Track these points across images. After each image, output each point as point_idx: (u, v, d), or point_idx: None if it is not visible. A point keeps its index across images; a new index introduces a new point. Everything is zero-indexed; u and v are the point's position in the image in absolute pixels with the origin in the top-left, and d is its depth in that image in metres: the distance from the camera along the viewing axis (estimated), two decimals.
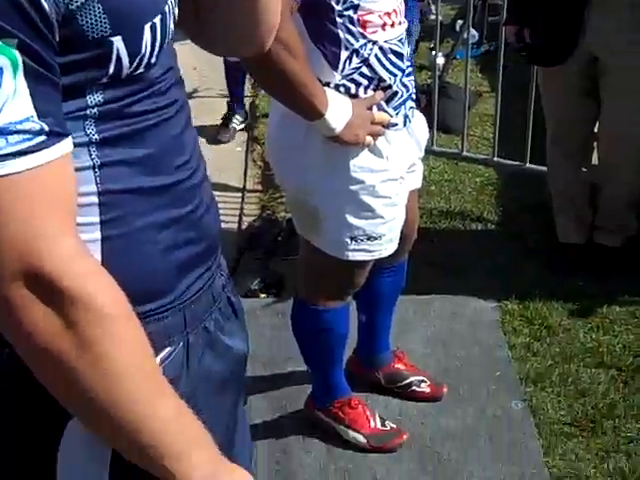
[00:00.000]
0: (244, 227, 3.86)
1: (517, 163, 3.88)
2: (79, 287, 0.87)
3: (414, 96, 2.21)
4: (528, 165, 3.83)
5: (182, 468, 0.96)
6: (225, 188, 4.05)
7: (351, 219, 2.11)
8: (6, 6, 0.82)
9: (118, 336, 0.89)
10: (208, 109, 4.82)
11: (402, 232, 2.27)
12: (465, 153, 4.03)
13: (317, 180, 2.10)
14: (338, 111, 1.98)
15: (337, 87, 2.02)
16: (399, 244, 2.27)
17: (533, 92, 3.61)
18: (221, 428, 1.08)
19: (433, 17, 5.11)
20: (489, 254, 3.44)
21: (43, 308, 0.86)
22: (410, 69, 2.15)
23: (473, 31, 4.81)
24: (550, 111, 3.30)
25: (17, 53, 0.83)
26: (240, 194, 4.09)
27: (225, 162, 4.30)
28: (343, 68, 2.00)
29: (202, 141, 4.39)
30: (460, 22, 5.32)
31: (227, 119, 4.71)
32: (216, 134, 4.62)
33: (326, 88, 1.99)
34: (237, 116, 4.71)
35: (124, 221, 0.98)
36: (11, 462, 1.07)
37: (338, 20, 1.95)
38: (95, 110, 0.94)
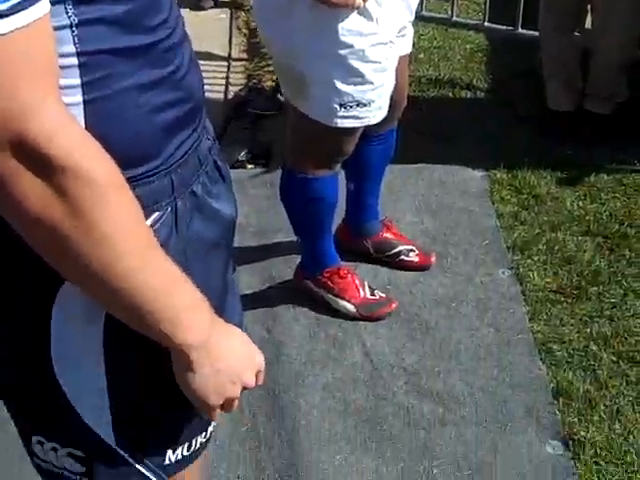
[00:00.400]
0: (230, 97, 3.80)
1: (508, 28, 3.79)
2: (67, 155, 0.85)
3: None
4: (520, 30, 3.75)
5: (178, 332, 0.97)
6: (210, 57, 3.96)
7: (340, 85, 2.08)
8: None
9: (109, 203, 0.88)
10: None
11: (391, 99, 2.24)
12: (455, 18, 3.94)
13: (303, 44, 2.06)
14: None
15: None
16: (388, 111, 2.25)
17: None
18: (212, 294, 1.08)
19: None
20: (479, 122, 3.41)
21: (32, 178, 0.84)
22: None
23: None
24: None
25: None
26: (226, 63, 4.01)
27: (209, 30, 4.19)
28: None
29: (184, 9, 4.26)
30: None
31: None
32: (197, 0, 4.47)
33: None
34: None
35: (105, 83, 0.95)
36: (4, 326, 1.08)
37: None
38: None
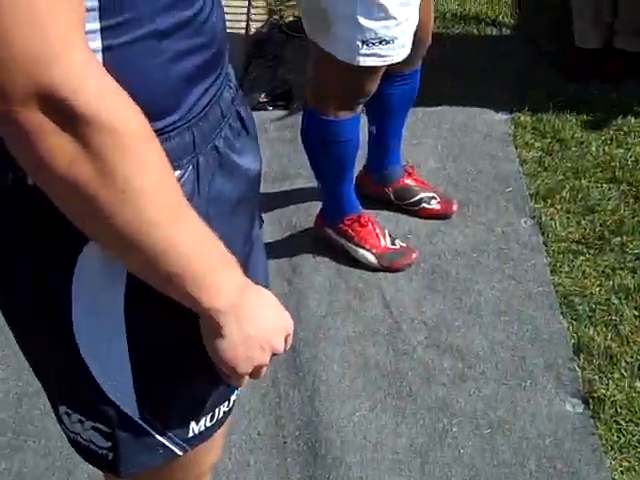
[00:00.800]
0: (251, 33, 3.73)
1: None
2: (95, 107, 0.81)
3: None
4: None
5: (205, 296, 0.94)
6: None
7: (362, 20, 2.03)
8: None
9: (137, 158, 0.85)
10: None
11: (415, 36, 2.19)
12: None
13: None
14: None
15: None
16: (412, 50, 2.20)
17: None
18: (236, 253, 1.06)
19: None
20: (504, 60, 3.34)
21: (58, 132, 0.80)
22: None
23: None
24: None
25: None
26: None
27: None
28: None
29: None
30: None
31: None
32: None
33: None
34: None
35: (126, 28, 0.90)
36: (23, 284, 1.05)
37: None
38: None
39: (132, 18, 0.90)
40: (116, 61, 0.90)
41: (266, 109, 3.27)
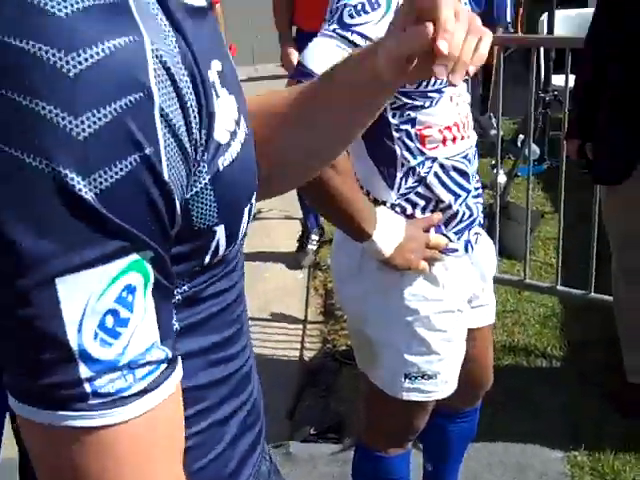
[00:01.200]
0: (304, 362, 3.80)
1: (581, 292, 3.74)
2: None
3: (481, 220, 2.09)
4: (593, 294, 3.69)
5: None
6: (285, 318, 4.01)
7: (405, 354, 2.00)
8: (144, 211, 0.70)
9: None
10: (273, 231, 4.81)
11: (474, 377, 2.18)
12: (528, 280, 3.92)
13: (372, 308, 2.01)
14: (388, 233, 1.89)
15: (393, 207, 1.95)
16: (473, 390, 2.20)
17: (596, 214, 3.49)
18: None
19: (494, 132, 5.10)
20: (555, 394, 3.33)
21: None
22: (479, 190, 2.05)
23: (534, 146, 4.60)
24: (614, 231, 3.14)
25: (149, 267, 0.72)
26: (301, 325, 4.03)
27: (286, 290, 4.28)
28: (399, 187, 1.93)
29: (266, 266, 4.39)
30: (522, 137, 5.24)
31: (303, 240, 4.62)
32: (294, 258, 4.54)
33: (381, 207, 1.92)
34: (313, 236, 4.65)
35: (193, 421, 0.90)
36: None
37: (395, 135, 1.88)
38: (179, 297, 0.84)
39: (199, 412, 0.92)
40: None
41: (316, 442, 3.25)
